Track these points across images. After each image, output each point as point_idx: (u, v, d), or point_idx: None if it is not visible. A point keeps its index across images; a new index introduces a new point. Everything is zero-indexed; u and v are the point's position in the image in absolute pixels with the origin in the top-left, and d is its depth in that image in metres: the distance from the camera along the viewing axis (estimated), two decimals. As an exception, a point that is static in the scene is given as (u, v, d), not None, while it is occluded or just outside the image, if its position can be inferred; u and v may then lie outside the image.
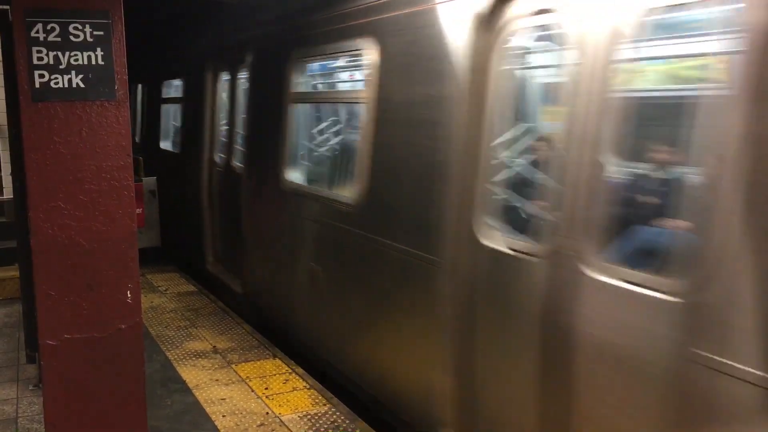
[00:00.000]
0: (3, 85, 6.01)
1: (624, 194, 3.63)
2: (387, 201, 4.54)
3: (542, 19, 3.51)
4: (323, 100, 6.95)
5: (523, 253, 3.47)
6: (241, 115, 7.40)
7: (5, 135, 6.92)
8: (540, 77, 5.08)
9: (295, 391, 5.16)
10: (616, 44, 2.98)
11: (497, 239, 3.66)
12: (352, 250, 5.00)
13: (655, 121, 4.05)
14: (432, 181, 4.02)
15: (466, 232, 3.79)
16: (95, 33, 3.24)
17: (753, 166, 2.43)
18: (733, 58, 2.60)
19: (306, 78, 6.18)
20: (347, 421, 4.68)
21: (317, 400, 4.99)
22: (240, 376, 5.45)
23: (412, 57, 4.26)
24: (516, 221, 3.80)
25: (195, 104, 8.61)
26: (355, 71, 6.78)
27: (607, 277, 2.99)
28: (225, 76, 7.89)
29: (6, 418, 4.72)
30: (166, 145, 10.37)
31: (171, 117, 10.48)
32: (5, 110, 5.44)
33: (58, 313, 3.32)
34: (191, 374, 5.49)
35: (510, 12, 3.55)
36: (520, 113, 4.65)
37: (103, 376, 3.45)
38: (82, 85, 3.24)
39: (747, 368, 2.45)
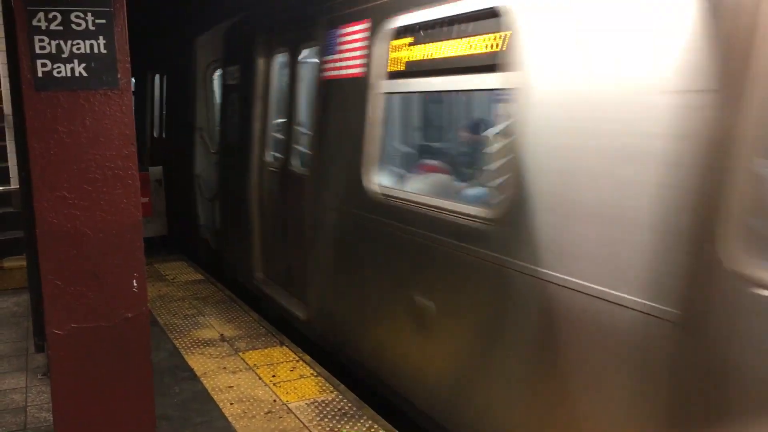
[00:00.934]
0: (7, 74, 6.00)
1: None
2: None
3: None
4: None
5: None
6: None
7: (12, 125, 6.93)
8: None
9: (302, 379, 5.17)
10: None
11: None
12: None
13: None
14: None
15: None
16: (97, 21, 3.22)
17: None
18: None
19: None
20: (354, 408, 4.69)
21: (324, 388, 5.00)
22: (247, 364, 5.46)
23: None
24: None
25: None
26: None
27: None
28: (282, 58, 6.58)
29: (15, 407, 4.75)
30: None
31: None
32: (11, 100, 5.45)
33: (64, 303, 3.33)
34: (199, 362, 5.51)
35: None
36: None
37: (110, 365, 3.46)
38: (84, 74, 3.22)
39: None
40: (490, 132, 4.40)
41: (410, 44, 4.44)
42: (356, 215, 5.01)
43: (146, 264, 3.54)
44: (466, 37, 3.93)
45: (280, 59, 6.62)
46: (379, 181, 4.78)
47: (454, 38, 4.04)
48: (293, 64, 6.29)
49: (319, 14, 5.57)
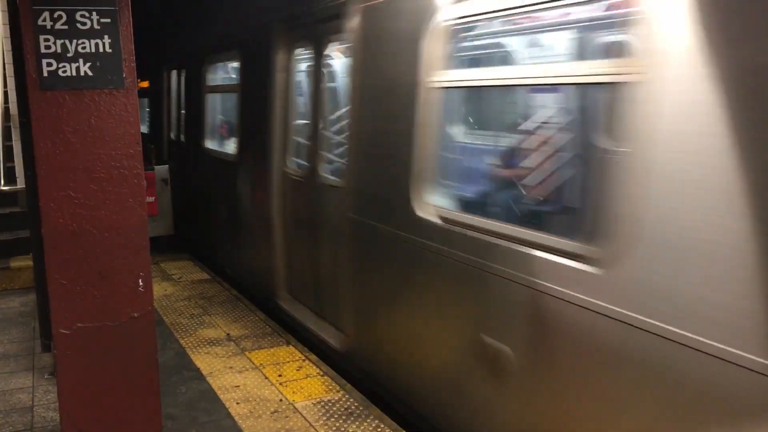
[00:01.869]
0: (13, 74, 6.01)
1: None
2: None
3: None
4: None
5: None
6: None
7: (18, 125, 6.94)
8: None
9: (308, 378, 5.16)
10: None
11: None
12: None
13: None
14: None
15: None
16: (102, 20, 3.22)
17: None
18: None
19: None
20: (361, 408, 4.67)
21: (331, 387, 4.99)
22: (254, 364, 5.46)
23: None
24: None
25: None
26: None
27: None
28: (305, 54, 5.95)
29: (22, 406, 4.76)
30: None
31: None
32: (17, 100, 5.45)
33: (70, 302, 3.33)
34: (205, 362, 5.51)
35: None
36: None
37: (116, 365, 3.46)
38: (90, 74, 3.23)
39: None
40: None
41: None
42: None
43: (152, 263, 3.54)
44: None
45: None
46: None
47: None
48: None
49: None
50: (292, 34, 5.95)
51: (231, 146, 7.92)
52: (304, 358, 5.56)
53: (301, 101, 6.19)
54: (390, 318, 4.61)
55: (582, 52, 4.49)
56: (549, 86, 4.29)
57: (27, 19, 3.12)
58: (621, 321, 2.81)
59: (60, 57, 3.17)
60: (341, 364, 5.32)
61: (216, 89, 8.52)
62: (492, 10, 3.57)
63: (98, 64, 3.24)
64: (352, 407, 4.69)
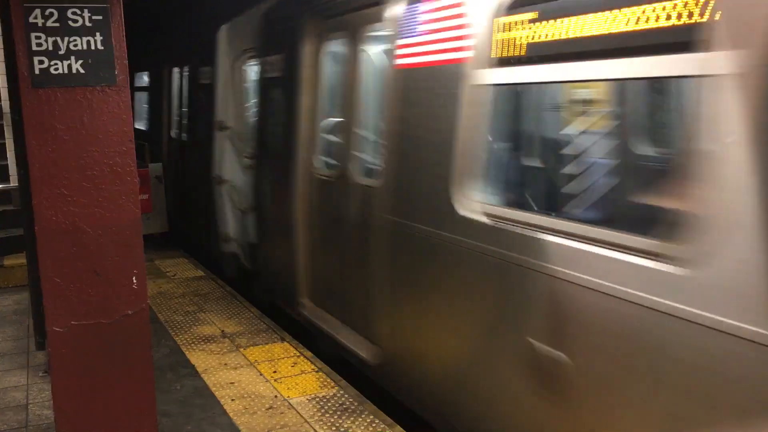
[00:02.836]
0: (5, 72, 5.99)
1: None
2: None
3: None
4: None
5: None
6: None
7: (10, 123, 6.92)
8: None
9: (303, 374, 5.17)
10: None
11: None
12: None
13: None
14: None
15: None
16: (94, 17, 3.21)
17: None
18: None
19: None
20: (355, 404, 4.69)
21: (325, 383, 5.00)
22: (248, 360, 5.46)
23: None
24: None
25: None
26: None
27: None
28: (335, 47, 5.57)
29: (17, 404, 4.75)
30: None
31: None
32: (8, 97, 5.43)
33: (64, 300, 3.32)
34: (200, 359, 5.51)
35: None
36: None
37: (111, 362, 3.46)
38: (82, 71, 3.22)
39: None
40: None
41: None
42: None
43: (146, 261, 3.54)
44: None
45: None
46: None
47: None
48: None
49: None
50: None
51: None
52: (298, 354, 5.57)
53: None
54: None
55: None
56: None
57: (18, 16, 3.11)
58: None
59: (52, 54, 3.16)
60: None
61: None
62: None
63: (90, 61, 3.22)
64: (347, 403, 4.70)
